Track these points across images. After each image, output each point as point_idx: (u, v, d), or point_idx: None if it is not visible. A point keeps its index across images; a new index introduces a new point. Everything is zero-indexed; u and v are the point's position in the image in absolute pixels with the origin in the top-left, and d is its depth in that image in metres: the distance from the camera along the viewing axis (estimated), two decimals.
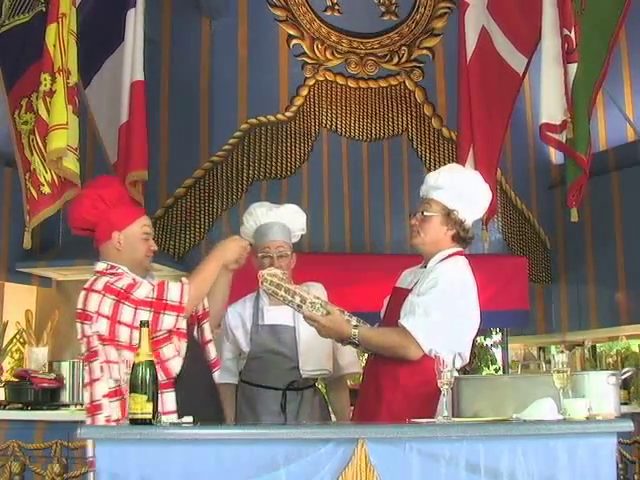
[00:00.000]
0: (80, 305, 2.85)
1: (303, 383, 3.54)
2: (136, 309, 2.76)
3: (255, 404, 3.45)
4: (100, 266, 2.95)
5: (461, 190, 3.19)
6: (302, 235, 3.68)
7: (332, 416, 3.75)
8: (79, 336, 2.87)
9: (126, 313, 2.76)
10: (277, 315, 3.50)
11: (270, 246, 3.46)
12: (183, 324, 2.82)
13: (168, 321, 2.77)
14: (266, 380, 3.46)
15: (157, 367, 2.68)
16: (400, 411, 2.86)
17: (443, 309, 3.02)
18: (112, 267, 2.92)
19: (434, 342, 2.98)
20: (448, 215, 3.18)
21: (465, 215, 3.19)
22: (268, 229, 3.50)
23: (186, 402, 2.80)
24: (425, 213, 3.19)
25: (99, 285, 2.83)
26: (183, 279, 2.87)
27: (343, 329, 3.10)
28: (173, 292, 2.79)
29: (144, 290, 2.79)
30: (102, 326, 2.79)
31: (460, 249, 3.22)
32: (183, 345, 2.83)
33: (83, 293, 2.86)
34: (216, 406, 3.06)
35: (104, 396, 2.79)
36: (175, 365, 2.80)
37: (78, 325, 2.86)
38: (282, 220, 3.53)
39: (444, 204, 3.19)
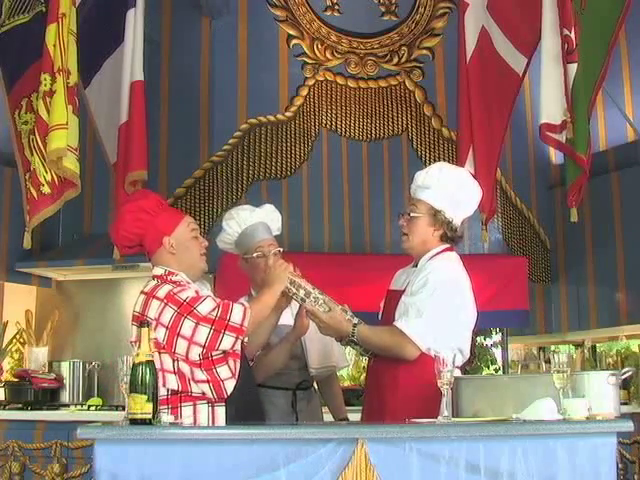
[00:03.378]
0: (139, 309, 2.84)
1: (310, 382, 3.56)
2: (197, 324, 2.74)
3: (265, 405, 3.44)
4: (158, 271, 2.94)
5: (447, 190, 3.17)
6: (277, 235, 3.67)
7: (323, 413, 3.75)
8: (133, 339, 2.85)
9: (186, 327, 2.74)
10: None
11: (263, 245, 3.45)
12: (239, 345, 2.82)
13: (227, 341, 2.76)
14: (276, 381, 3.45)
15: (211, 386, 2.76)
16: (402, 412, 2.86)
17: (436, 307, 3.02)
18: (170, 273, 2.92)
19: (430, 341, 2.98)
20: (435, 215, 3.17)
21: (452, 214, 3.18)
22: (254, 230, 3.48)
23: (235, 417, 2.82)
24: (412, 214, 3.19)
25: (161, 293, 2.82)
26: (244, 302, 2.88)
27: (342, 327, 3.11)
28: (236, 314, 2.77)
29: (207, 306, 2.78)
30: (160, 335, 2.77)
31: (449, 246, 3.22)
32: (237, 366, 2.83)
33: (143, 297, 2.85)
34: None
35: None
36: (229, 387, 2.79)
37: (134, 328, 2.84)
38: (264, 220, 3.53)
39: (431, 204, 3.18)
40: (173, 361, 2.78)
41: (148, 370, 2.42)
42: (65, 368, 5.33)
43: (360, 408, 3.55)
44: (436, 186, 3.17)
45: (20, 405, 5.03)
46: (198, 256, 3.01)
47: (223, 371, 2.79)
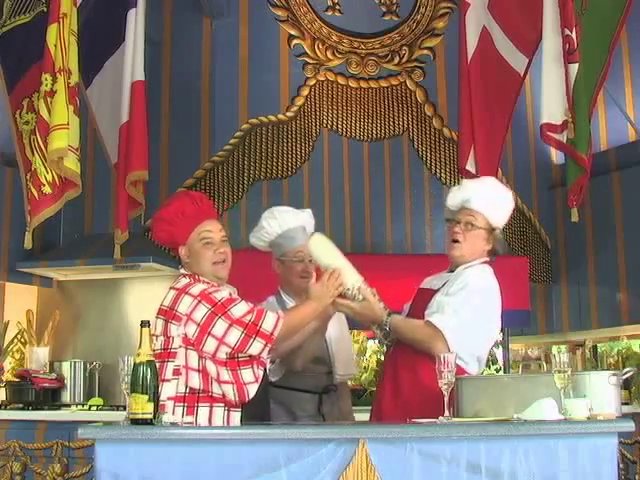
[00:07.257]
0: (168, 303, 2.85)
1: (335, 386, 3.53)
2: (230, 326, 2.76)
3: (291, 406, 3.42)
4: (185, 271, 2.99)
5: (504, 211, 3.26)
6: None
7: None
8: (158, 332, 2.84)
9: (219, 327, 2.76)
10: None
11: (303, 250, 3.41)
12: (266, 353, 2.83)
13: (256, 347, 2.77)
14: (303, 384, 3.42)
15: (233, 387, 2.76)
16: (419, 411, 2.84)
17: (472, 311, 3.04)
18: (191, 275, 2.94)
19: (460, 341, 2.99)
20: (491, 232, 3.21)
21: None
22: (295, 233, 3.46)
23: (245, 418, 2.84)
24: (474, 224, 3.20)
25: (195, 290, 2.83)
26: (280, 311, 2.88)
27: (376, 314, 3.10)
28: (269, 321, 2.79)
29: (241, 309, 2.80)
30: (190, 331, 2.79)
31: (487, 259, 3.25)
32: (261, 373, 2.84)
33: (174, 292, 2.86)
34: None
35: (169, 398, 2.78)
36: (251, 391, 2.80)
37: (160, 322, 2.84)
38: (303, 224, 3.52)
39: (489, 221, 3.21)
40: (199, 359, 2.79)
41: (149, 370, 2.42)
42: (66, 368, 5.33)
43: (361, 408, 3.55)
44: (496, 205, 3.22)
45: (21, 405, 5.03)
46: (209, 265, 2.95)
47: (247, 374, 2.79)
